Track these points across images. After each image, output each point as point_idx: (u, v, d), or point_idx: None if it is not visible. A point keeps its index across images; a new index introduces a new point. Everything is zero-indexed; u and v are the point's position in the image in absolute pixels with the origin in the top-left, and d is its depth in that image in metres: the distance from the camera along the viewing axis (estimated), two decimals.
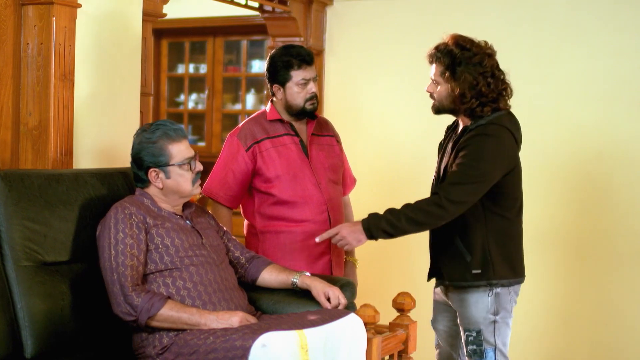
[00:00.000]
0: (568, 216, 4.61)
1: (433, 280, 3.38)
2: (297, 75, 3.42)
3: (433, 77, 3.25)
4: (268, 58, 3.51)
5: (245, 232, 3.63)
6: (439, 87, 3.23)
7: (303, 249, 3.47)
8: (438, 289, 3.37)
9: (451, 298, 3.28)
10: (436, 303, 3.41)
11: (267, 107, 3.56)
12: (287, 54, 3.43)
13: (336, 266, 3.56)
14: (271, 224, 3.49)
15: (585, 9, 4.57)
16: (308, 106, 3.46)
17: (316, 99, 3.48)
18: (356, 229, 3.14)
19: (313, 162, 3.51)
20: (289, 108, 3.48)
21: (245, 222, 3.62)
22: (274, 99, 3.53)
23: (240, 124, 3.57)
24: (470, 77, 3.17)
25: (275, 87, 3.48)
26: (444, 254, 3.23)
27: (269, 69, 3.49)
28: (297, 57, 3.42)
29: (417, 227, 3.12)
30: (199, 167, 2.96)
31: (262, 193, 3.49)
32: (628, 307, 4.51)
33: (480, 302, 3.19)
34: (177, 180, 2.92)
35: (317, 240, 3.22)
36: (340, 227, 3.19)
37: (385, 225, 3.10)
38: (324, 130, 3.64)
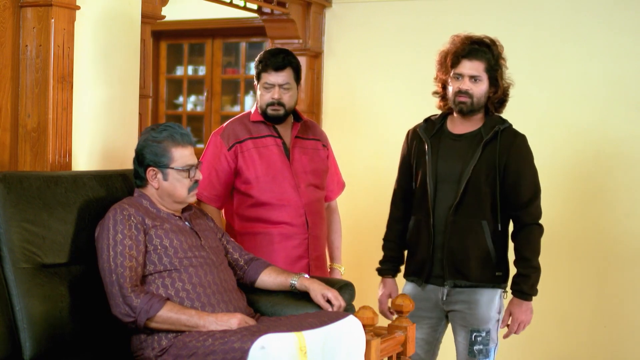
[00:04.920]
0: (566, 217, 4.61)
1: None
2: (264, 77, 3.43)
3: (475, 73, 3.11)
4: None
5: None
6: (481, 84, 3.13)
7: (280, 251, 3.46)
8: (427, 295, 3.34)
9: (452, 300, 3.25)
10: (417, 311, 3.29)
11: (252, 108, 3.56)
12: (264, 56, 3.45)
13: (315, 269, 3.53)
14: (249, 225, 3.49)
15: (584, 10, 4.57)
16: (269, 111, 3.44)
17: (281, 106, 3.42)
18: (522, 306, 3.19)
19: (294, 165, 3.50)
20: (259, 109, 3.49)
21: (225, 223, 3.62)
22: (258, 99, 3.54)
23: (225, 124, 3.58)
24: (506, 76, 3.17)
25: (256, 86, 3.51)
26: (472, 257, 3.19)
27: (254, 68, 3.52)
28: (268, 60, 3.42)
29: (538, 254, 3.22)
30: (199, 176, 2.95)
31: (241, 194, 3.49)
32: (627, 309, 4.51)
33: (492, 302, 3.22)
34: (173, 184, 2.91)
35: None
36: (512, 320, 3.22)
37: (534, 282, 3.19)
38: (310, 133, 3.62)
